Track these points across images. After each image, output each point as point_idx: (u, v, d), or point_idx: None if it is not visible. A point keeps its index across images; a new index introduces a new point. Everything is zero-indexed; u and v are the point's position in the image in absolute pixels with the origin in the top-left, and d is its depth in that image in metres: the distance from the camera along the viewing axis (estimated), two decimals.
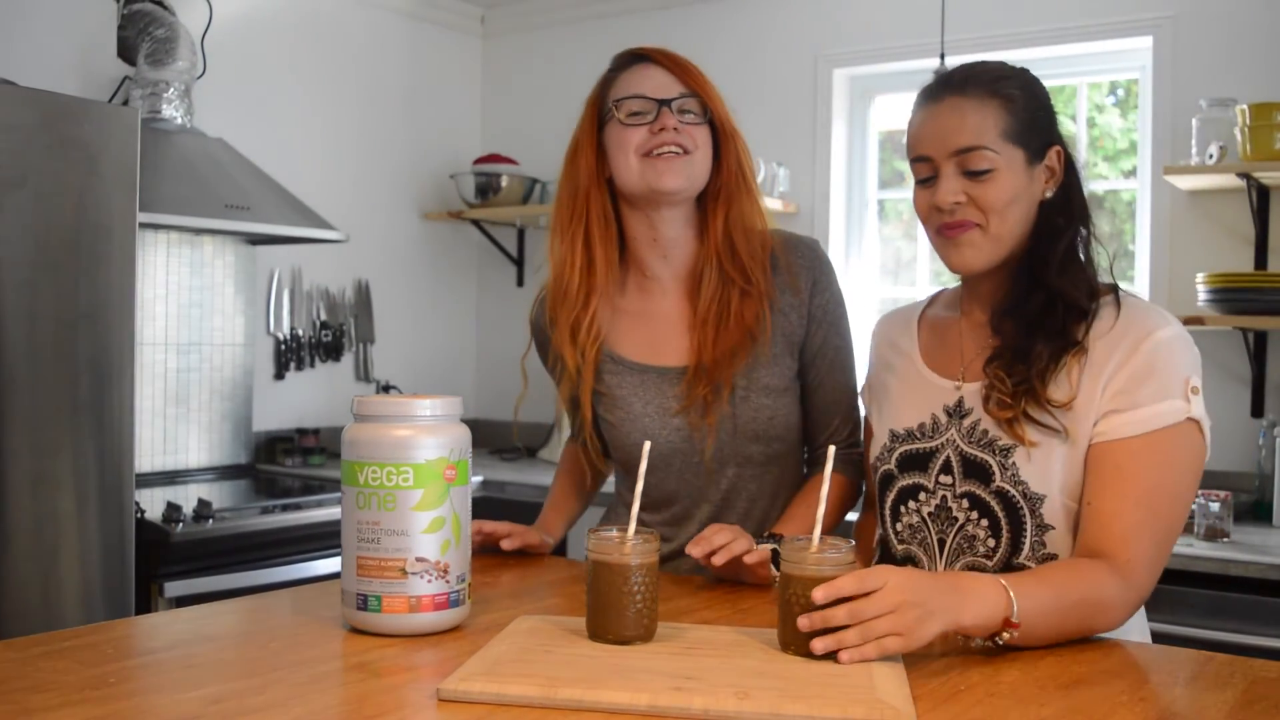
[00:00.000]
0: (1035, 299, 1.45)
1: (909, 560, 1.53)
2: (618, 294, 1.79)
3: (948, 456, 1.49)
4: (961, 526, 1.47)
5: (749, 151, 1.77)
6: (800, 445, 1.81)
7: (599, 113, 1.75)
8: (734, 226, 1.73)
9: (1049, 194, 1.47)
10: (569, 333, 1.75)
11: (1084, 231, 1.48)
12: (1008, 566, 1.44)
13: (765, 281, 1.72)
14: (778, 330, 1.74)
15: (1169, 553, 1.38)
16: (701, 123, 1.71)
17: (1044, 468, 1.41)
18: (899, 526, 1.54)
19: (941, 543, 1.49)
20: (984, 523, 1.45)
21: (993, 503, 1.44)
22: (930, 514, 1.50)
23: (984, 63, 1.49)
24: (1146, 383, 1.37)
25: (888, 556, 1.56)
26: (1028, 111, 1.44)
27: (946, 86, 1.46)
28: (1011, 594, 1.24)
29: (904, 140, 1.52)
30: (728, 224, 1.73)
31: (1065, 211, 1.47)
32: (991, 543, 1.45)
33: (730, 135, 1.74)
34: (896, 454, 1.55)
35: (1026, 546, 1.42)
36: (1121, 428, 1.37)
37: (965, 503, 1.47)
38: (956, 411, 1.50)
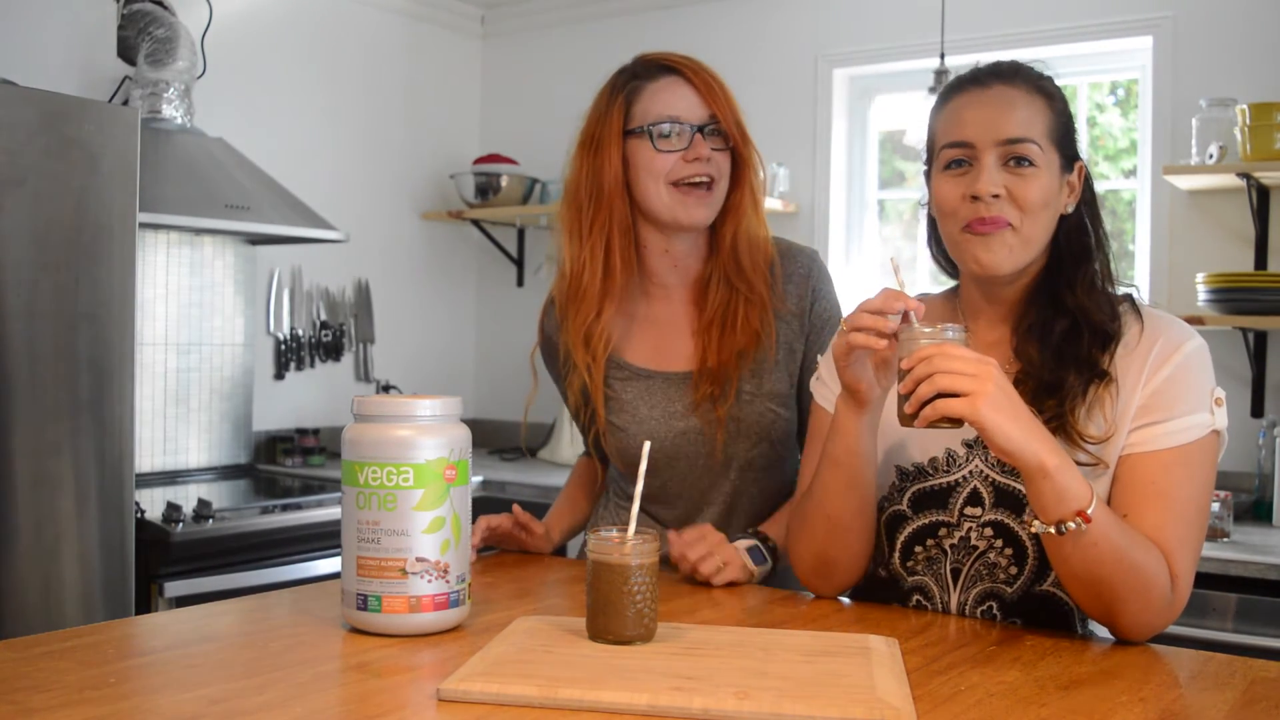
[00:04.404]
0: (1060, 324, 1.40)
1: (918, 591, 1.49)
2: (626, 299, 1.80)
3: (975, 488, 1.43)
4: (982, 554, 1.43)
5: (761, 162, 1.78)
6: (796, 454, 1.81)
7: (624, 122, 1.72)
8: (741, 240, 1.75)
9: (1069, 209, 1.42)
10: (582, 336, 1.76)
11: (1107, 253, 1.44)
12: (1027, 594, 1.42)
13: (766, 291, 1.75)
14: (780, 337, 1.76)
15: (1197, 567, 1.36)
16: (726, 149, 1.73)
17: None
18: (911, 563, 1.49)
19: (955, 572, 1.45)
20: (1008, 551, 1.42)
21: (1020, 531, 1.40)
22: (952, 545, 1.45)
23: (1021, 62, 1.45)
24: (1179, 396, 1.35)
25: (894, 588, 1.51)
26: (1064, 117, 1.42)
27: (995, 75, 1.41)
28: (1095, 496, 1.25)
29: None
30: (735, 238, 1.75)
31: (1087, 234, 1.43)
32: (1014, 570, 1.42)
33: (745, 158, 1.74)
34: (909, 494, 1.47)
35: (1054, 573, 1.38)
36: (1155, 440, 1.34)
37: (989, 530, 1.42)
38: (979, 442, 1.43)
